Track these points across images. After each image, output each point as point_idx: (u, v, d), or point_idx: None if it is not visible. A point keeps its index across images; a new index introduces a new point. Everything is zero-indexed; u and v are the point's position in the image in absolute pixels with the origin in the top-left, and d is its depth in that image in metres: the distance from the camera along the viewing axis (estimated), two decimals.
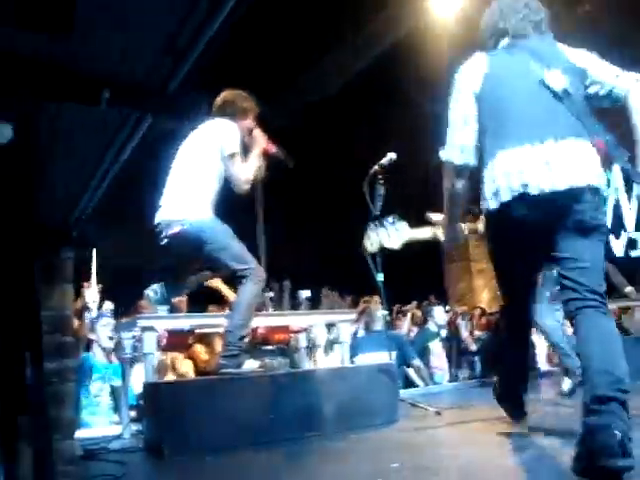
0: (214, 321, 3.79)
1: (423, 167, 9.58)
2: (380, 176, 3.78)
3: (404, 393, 4.56)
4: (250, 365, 3.37)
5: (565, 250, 2.07)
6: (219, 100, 3.48)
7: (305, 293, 5.29)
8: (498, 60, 2.36)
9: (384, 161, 3.81)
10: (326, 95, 9.99)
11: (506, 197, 2.10)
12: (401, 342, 5.69)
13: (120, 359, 3.93)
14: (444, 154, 2.38)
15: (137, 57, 1.36)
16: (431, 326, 6.75)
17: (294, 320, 4.06)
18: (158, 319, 3.56)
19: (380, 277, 3.76)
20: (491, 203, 2.18)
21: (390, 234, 3.13)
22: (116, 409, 4.03)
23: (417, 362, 5.78)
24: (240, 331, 3.27)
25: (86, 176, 1.79)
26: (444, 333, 6.89)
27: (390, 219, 3.15)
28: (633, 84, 2.26)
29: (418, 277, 8.45)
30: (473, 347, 6.87)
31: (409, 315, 7.20)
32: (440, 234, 2.87)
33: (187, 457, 2.65)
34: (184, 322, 3.55)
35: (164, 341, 3.94)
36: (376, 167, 3.81)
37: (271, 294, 5.98)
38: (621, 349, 1.92)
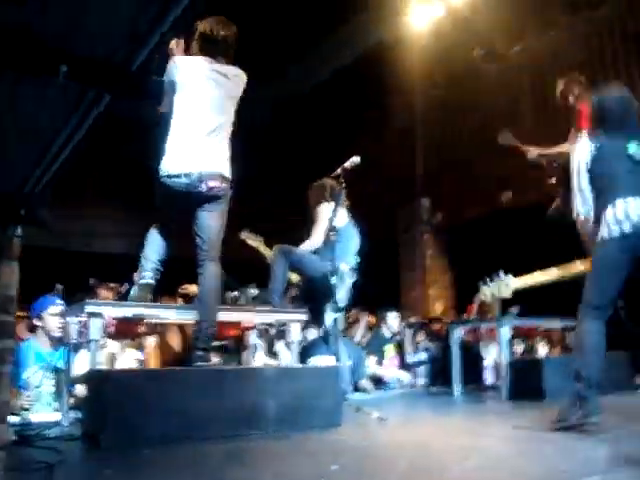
0: (166, 312, 3.74)
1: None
2: (342, 178, 3.78)
3: (351, 397, 4.59)
4: (215, 359, 3.37)
5: None
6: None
7: (253, 291, 5.30)
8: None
9: (347, 164, 3.82)
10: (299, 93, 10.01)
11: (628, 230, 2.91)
12: (358, 357, 5.74)
13: (65, 344, 3.83)
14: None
15: (97, 34, 1.33)
16: (385, 331, 6.79)
17: (245, 317, 4.02)
18: (106, 305, 3.49)
19: (333, 280, 3.77)
20: (620, 231, 2.92)
21: (501, 287, 3.61)
22: (58, 396, 3.92)
23: (365, 383, 5.85)
24: (215, 322, 3.28)
25: (39, 152, 1.73)
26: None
27: (500, 275, 3.68)
28: None
29: (373, 284, 8.47)
30: (410, 358, 6.96)
31: (363, 322, 7.24)
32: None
33: (124, 448, 2.60)
34: (132, 310, 3.47)
35: (112, 329, 3.85)
36: (339, 170, 3.81)
37: (236, 293, 6.00)
38: None
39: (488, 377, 6.69)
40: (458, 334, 5.72)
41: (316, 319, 4.53)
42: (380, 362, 6.48)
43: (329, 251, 4.33)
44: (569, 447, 2.54)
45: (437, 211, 8.96)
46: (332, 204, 4.48)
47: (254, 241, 4.92)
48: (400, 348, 6.90)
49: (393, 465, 2.17)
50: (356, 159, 3.82)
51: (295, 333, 3.83)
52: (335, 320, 4.37)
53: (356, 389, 5.79)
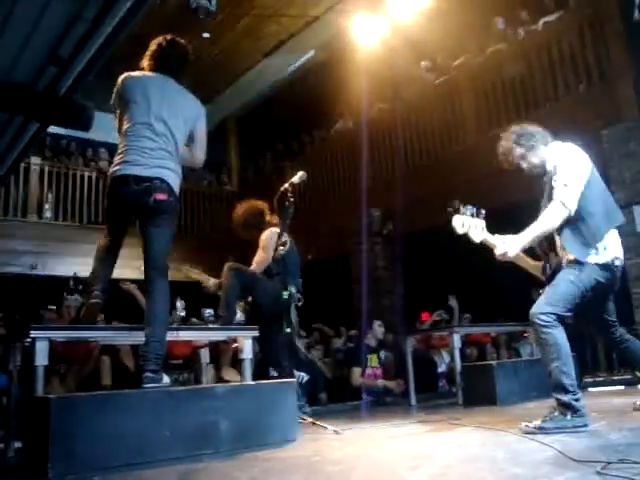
0: (119, 334, 3.67)
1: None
2: (290, 194, 3.79)
3: (308, 410, 4.58)
4: (166, 379, 3.31)
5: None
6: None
7: (209, 311, 5.27)
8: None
9: (295, 179, 3.83)
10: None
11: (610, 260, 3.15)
12: (315, 371, 5.75)
13: (8, 371, 3.71)
14: (569, 203, 3.06)
15: (21, 59, 1.30)
16: (370, 340, 6.87)
17: (198, 335, 3.97)
18: (53, 330, 3.40)
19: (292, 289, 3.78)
20: (604, 259, 3.13)
21: (473, 226, 3.29)
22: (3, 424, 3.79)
23: (323, 396, 5.87)
24: (164, 342, 3.23)
25: None
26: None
27: (476, 210, 3.34)
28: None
29: (328, 296, 8.51)
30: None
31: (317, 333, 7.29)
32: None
33: (74, 477, 2.53)
34: (79, 333, 3.39)
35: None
36: (286, 185, 3.82)
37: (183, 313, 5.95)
38: None
39: (442, 384, 6.79)
40: (411, 343, 5.78)
41: (265, 340, 4.52)
42: (363, 373, 6.51)
43: (279, 273, 4.37)
44: (520, 451, 2.58)
45: (388, 222, 9.04)
46: (273, 228, 4.57)
47: (195, 274, 4.86)
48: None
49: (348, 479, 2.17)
50: (303, 174, 3.84)
51: (247, 350, 3.80)
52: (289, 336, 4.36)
53: (314, 402, 5.79)
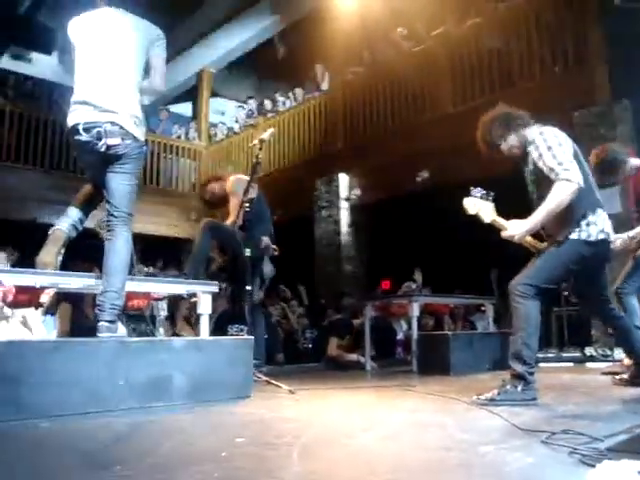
0: (70, 280, 3.57)
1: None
2: (259, 150, 3.74)
3: (264, 369, 4.60)
4: (122, 330, 3.26)
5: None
6: None
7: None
8: None
9: (264, 136, 3.78)
10: None
11: (599, 237, 3.15)
12: (273, 331, 5.76)
13: None
14: (575, 177, 3.01)
15: None
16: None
17: (155, 287, 3.92)
18: (3, 272, 3.31)
19: (247, 252, 3.74)
20: (593, 236, 3.14)
21: (483, 208, 3.29)
22: None
23: (279, 357, 5.90)
24: (122, 292, 3.17)
25: None
26: None
27: (486, 194, 3.35)
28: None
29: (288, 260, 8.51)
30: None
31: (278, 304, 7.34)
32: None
33: (19, 422, 2.49)
34: (34, 279, 3.30)
35: (10, 297, 3.66)
36: (255, 141, 3.77)
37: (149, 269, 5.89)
38: None
39: (400, 351, 6.89)
40: (370, 310, 5.83)
41: (241, 295, 4.49)
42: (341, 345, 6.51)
43: (252, 227, 4.34)
44: (469, 419, 2.64)
45: (355, 188, 9.02)
46: (243, 179, 4.52)
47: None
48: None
49: (297, 437, 2.18)
50: (272, 131, 3.79)
51: (206, 305, 3.77)
52: (251, 294, 4.35)
53: (271, 362, 5.82)
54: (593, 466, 1.63)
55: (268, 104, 11.29)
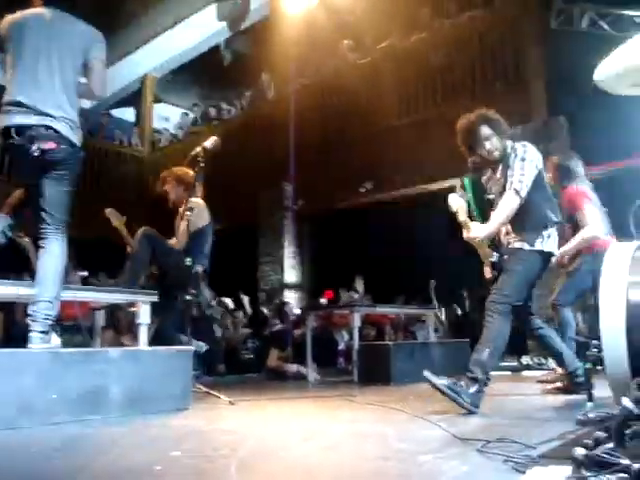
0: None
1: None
2: (201, 158, 3.70)
3: (203, 380, 4.53)
4: (55, 341, 3.15)
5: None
6: None
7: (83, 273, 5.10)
8: None
9: (207, 144, 3.74)
10: None
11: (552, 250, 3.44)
12: (215, 342, 5.69)
13: None
14: (522, 191, 3.25)
15: None
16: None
17: (94, 296, 3.81)
18: None
19: (188, 261, 3.68)
20: (548, 248, 3.38)
21: (463, 207, 3.42)
22: None
23: (220, 367, 5.83)
24: (55, 302, 3.06)
25: None
26: None
27: (462, 194, 3.57)
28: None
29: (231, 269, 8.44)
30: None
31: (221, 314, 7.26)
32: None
33: None
34: None
35: None
36: (198, 149, 3.72)
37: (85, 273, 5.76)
38: None
39: (341, 361, 6.90)
40: (312, 320, 5.83)
41: (169, 307, 4.41)
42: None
43: (193, 248, 4.30)
44: (408, 429, 2.66)
45: (299, 198, 9.04)
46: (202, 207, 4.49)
47: (116, 220, 4.64)
48: None
49: (236, 449, 2.15)
50: (216, 139, 3.75)
51: (144, 315, 3.69)
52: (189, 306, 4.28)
53: (212, 372, 5.75)
54: (524, 473, 1.67)
55: (213, 112, 11.20)
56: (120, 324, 5.85)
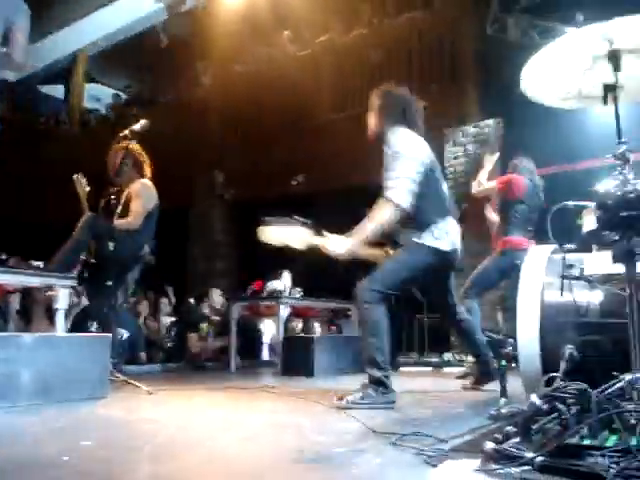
0: None
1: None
2: (129, 141, 3.59)
3: (122, 368, 4.42)
4: None
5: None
6: None
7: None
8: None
9: (136, 127, 3.64)
10: None
11: (449, 247, 3.19)
12: (136, 330, 5.55)
13: None
14: (398, 199, 2.99)
15: None
16: (205, 309, 6.74)
17: (8, 278, 3.64)
18: None
19: (110, 246, 3.58)
20: (443, 245, 3.15)
21: (293, 234, 3.15)
22: None
23: (142, 356, 5.71)
24: None
25: None
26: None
27: (290, 219, 3.25)
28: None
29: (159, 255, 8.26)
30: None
31: (145, 302, 7.11)
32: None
33: None
34: None
35: None
36: (126, 131, 3.61)
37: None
38: None
39: (265, 353, 6.89)
40: (237, 309, 5.80)
41: (102, 293, 4.27)
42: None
43: (144, 230, 4.21)
44: (326, 421, 2.67)
45: (231, 186, 8.94)
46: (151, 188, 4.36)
47: (81, 188, 4.40)
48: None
49: (152, 440, 2.10)
50: (145, 122, 3.65)
51: (63, 300, 3.56)
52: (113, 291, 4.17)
53: (133, 361, 5.61)
54: (435, 466, 1.71)
55: (146, 94, 10.93)
56: (33, 309, 5.62)
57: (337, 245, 3.07)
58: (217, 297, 6.97)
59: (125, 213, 4.37)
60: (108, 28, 10.92)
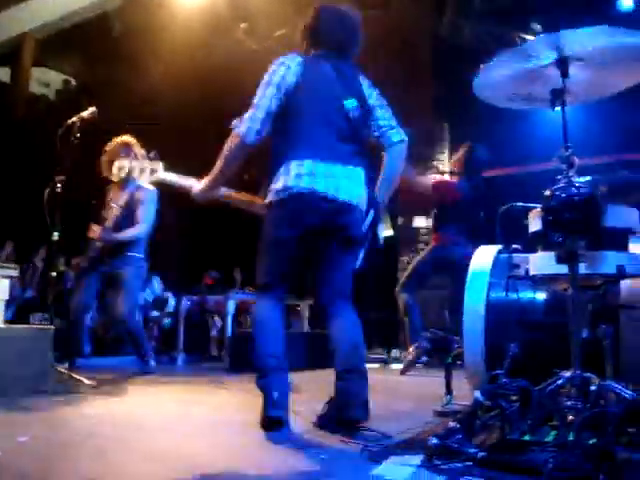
0: None
1: None
2: (77, 128, 3.50)
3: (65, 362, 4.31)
4: None
5: None
6: None
7: None
8: (311, 66, 2.58)
9: (85, 114, 3.55)
10: None
11: (295, 191, 2.35)
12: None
13: None
14: (241, 130, 2.39)
15: None
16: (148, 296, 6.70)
17: None
18: None
19: (55, 236, 3.47)
20: (282, 194, 2.36)
21: (145, 169, 2.78)
22: None
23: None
24: None
25: None
26: None
27: (150, 154, 2.88)
28: (398, 141, 2.56)
29: None
30: None
31: None
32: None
33: None
34: None
35: None
36: (75, 118, 3.52)
37: None
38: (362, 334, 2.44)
39: (213, 348, 6.84)
40: (186, 304, 5.74)
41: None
42: None
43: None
44: None
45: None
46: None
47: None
48: None
49: (91, 435, 2.05)
50: (94, 109, 3.57)
51: (2, 290, 3.43)
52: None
53: (76, 354, 5.48)
54: (380, 462, 1.72)
55: (98, 82, 10.66)
56: None
57: (195, 186, 2.64)
58: (157, 284, 6.91)
59: (130, 219, 4.33)
60: (59, 11, 10.60)
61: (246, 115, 2.41)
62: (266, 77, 2.51)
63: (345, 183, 2.39)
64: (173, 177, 2.78)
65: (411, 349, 4.61)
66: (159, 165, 2.80)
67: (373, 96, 2.61)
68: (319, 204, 2.35)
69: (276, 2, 8.44)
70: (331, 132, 2.44)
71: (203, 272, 8.10)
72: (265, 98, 2.44)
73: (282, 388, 2.28)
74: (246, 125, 2.39)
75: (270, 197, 2.41)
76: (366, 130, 2.55)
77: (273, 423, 2.18)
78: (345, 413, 2.23)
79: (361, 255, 2.45)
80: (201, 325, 6.68)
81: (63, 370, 3.66)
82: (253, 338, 2.45)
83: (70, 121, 3.55)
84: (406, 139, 2.61)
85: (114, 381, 3.95)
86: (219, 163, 2.50)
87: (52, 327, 3.36)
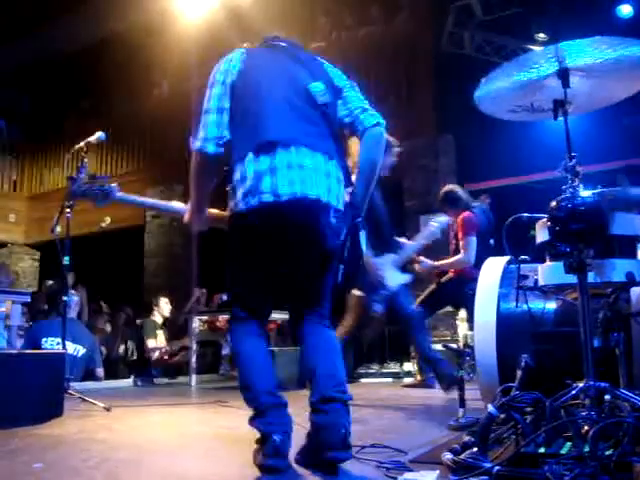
0: None
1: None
2: (84, 153, 3.54)
3: (78, 386, 4.31)
4: None
5: None
6: None
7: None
8: (256, 54, 2.27)
9: (92, 139, 3.59)
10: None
11: (255, 201, 1.94)
12: (92, 344, 5.43)
13: None
14: (202, 143, 2.05)
15: None
16: (156, 317, 6.70)
17: None
18: None
19: (66, 261, 3.50)
20: (243, 204, 1.97)
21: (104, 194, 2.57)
22: None
23: (100, 372, 5.59)
24: None
25: None
26: None
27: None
28: (373, 124, 2.21)
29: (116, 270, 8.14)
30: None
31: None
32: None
33: None
34: None
35: None
36: (82, 144, 3.56)
37: None
38: (340, 357, 2.04)
39: (225, 366, 6.83)
40: (196, 323, 5.74)
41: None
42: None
43: None
44: None
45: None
46: None
47: None
48: None
49: (106, 460, 2.06)
50: (101, 134, 3.60)
51: (15, 316, 3.46)
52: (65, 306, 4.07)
53: (90, 377, 5.49)
54: (395, 478, 1.71)
55: (103, 106, 10.76)
56: None
57: (182, 211, 2.35)
58: (164, 305, 6.93)
59: None
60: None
61: (200, 125, 2.08)
62: (210, 78, 2.15)
63: (315, 175, 2.00)
64: (148, 200, 2.69)
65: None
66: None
67: (342, 80, 2.32)
68: (284, 214, 1.96)
69: (276, 22, 8.51)
70: (299, 117, 2.07)
71: (213, 294, 8.11)
72: (213, 99, 2.09)
73: (283, 427, 1.94)
74: (200, 137, 2.06)
75: (230, 208, 2.05)
76: (338, 116, 2.23)
77: (272, 471, 1.85)
78: (322, 454, 1.85)
79: (341, 269, 1.99)
80: (212, 344, 6.68)
81: (75, 393, 3.68)
82: (238, 373, 2.09)
83: (77, 146, 3.59)
84: (383, 122, 2.23)
85: (127, 403, 3.94)
86: (191, 190, 2.18)
87: (64, 351, 3.37)
